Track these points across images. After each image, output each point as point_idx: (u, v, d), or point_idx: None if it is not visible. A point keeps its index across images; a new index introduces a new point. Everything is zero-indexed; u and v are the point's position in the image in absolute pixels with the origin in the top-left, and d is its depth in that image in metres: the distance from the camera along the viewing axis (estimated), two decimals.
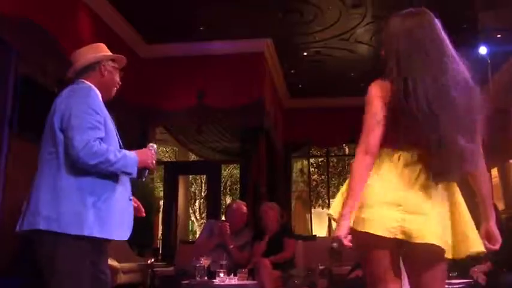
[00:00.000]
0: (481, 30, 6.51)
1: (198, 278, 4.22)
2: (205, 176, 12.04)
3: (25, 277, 4.39)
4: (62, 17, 5.05)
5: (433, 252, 1.82)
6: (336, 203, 1.93)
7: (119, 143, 2.44)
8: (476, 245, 1.88)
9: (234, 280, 4.26)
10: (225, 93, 6.99)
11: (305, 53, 7.78)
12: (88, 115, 2.24)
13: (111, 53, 2.56)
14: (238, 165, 10.87)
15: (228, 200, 14.82)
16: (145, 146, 2.51)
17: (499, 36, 6.64)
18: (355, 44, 7.35)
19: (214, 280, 4.22)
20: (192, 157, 12.03)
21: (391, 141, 1.91)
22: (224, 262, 4.38)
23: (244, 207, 5.16)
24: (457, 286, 4.09)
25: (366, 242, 1.86)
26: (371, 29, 6.86)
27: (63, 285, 2.15)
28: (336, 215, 1.89)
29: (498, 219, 5.51)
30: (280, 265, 4.88)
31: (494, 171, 8.16)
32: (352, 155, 12.66)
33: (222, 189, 12.30)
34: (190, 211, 14.12)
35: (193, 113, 7.06)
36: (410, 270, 1.94)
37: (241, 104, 6.98)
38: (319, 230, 12.05)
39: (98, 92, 2.42)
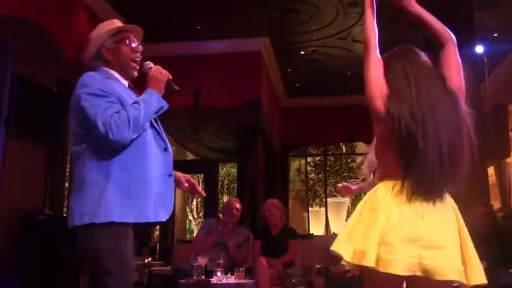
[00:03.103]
0: (478, 29, 6.52)
1: (195, 277, 4.23)
2: (202, 175, 12.02)
3: (22, 277, 4.39)
4: (60, 16, 5.04)
5: (447, 286, 1.82)
6: (342, 239, 1.88)
7: (154, 127, 2.33)
8: (480, 277, 1.84)
9: (231, 279, 4.27)
10: (222, 93, 6.99)
11: (302, 52, 7.78)
12: (96, 100, 2.12)
13: (109, 29, 2.34)
14: (236, 164, 10.87)
15: (225, 198, 14.81)
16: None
17: (495, 35, 6.66)
18: (352, 43, 7.36)
19: (211, 279, 4.22)
20: (190, 156, 12.02)
21: (385, 170, 1.97)
22: (221, 261, 4.39)
23: (237, 204, 5.16)
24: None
25: (380, 281, 1.84)
26: None
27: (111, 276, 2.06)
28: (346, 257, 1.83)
29: (494, 218, 5.53)
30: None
31: (491, 170, 8.18)
32: (349, 154, 12.70)
33: (219, 188, 12.29)
34: (188, 210, 14.09)
35: (190, 113, 7.06)
36: None
37: (238, 103, 6.98)
38: (317, 228, 12.02)
39: (115, 74, 2.32)
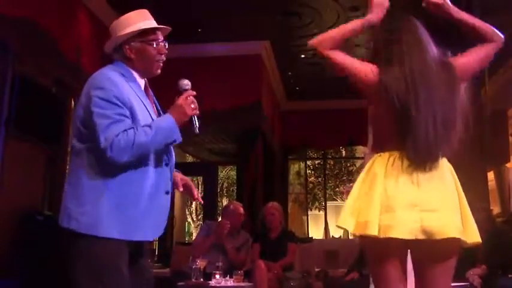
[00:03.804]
0: None
1: (193, 280, 4.22)
2: (201, 178, 12.02)
3: (22, 277, 4.39)
4: (61, 17, 5.06)
5: (450, 246, 1.86)
6: (346, 214, 1.92)
7: None
8: (476, 236, 1.90)
9: (229, 282, 4.27)
10: (223, 95, 6.99)
11: (303, 56, 7.79)
12: (108, 109, 1.99)
13: (138, 26, 2.17)
14: (235, 167, 10.88)
15: (225, 201, 14.80)
16: None
17: None
18: (352, 47, 7.36)
19: (210, 282, 4.22)
20: (189, 158, 12.03)
21: (380, 143, 1.99)
22: (220, 264, 4.38)
23: (241, 208, 5.17)
24: None
25: (381, 249, 1.88)
26: (369, 32, 6.87)
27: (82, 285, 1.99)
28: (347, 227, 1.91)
29: (494, 223, 5.54)
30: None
31: (491, 175, 8.18)
32: (349, 158, 12.74)
33: (218, 190, 12.29)
34: (187, 212, 14.09)
35: None
36: (421, 267, 1.94)
37: (238, 106, 6.98)
38: (316, 232, 12.05)
39: (132, 72, 2.18)
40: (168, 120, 2.08)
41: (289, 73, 8.49)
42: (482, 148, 6.23)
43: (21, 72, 4.67)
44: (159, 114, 2.23)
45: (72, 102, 5.72)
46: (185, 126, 2.13)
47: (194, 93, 2.15)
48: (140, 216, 2.06)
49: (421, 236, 1.81)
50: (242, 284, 4.34)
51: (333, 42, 2.05)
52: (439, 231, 1.81)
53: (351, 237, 13.58)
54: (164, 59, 2.25)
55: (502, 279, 4.48)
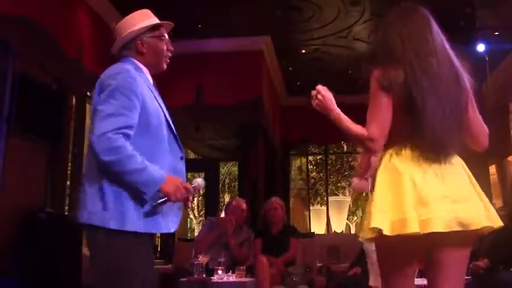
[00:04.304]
0: (479, 27, 6.52)
1: (196, 275, 4.23)
2: (203, 174, 12.02)
3: (21, 277, 4.39)
4: (61, 15, 5.05)
5: (475, 234, 1.85)
6: (377, 213, 1.85)
7: (173, 132, 2.23)
8: (498, 220, 1.89)
9: (232, 277, 4.27)
10: (224, 91, 6.99)
11: (303, 51, 7.78)
12: (114, 99, 2.01)
13: (148, 23, 2.27)
14: (237, 163, 10.88)
15: (227, 197, 14.80)
16: None
17: (497, 33, 6.65)
18: (353, 42, 7.36)
19: (212, 277, 4.23)
20: (191, 155, 12.03)
21: (391, 139, 1.95)
22: (222, 259, 4.39)
23: (244, 204, 5.19)
24: None
25: (421, 245, 1.84)
26: (369, 26, 6.86)
27: (113, 283, 2.00)
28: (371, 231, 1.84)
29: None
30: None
31: (492, 169, 8.17)
32: (350, 153, 12.68)
33: (220, 186, 12.29)
34: (189, 208, 14.11)
35: (192, 111, 7.06)
36: (440, 256, 1.90)
37: (239, 102, 6.98)
38: (318, 227, 12.03)
39: (142, 67, 2.24)
40: (159, 177, 2.03)
41: (290, 68, 8.47)
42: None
43: (22, 70, 4.66)
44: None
45: (73, 100, 5.71)
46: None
47: (190, 198, 2.15)
48: (162, 209, 2.08)
49: (457, 228, 1.78)
50: (244, 279, 4.34)
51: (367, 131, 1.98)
52: (473, 222, 1.80)
53: (352, 232, 13.59)
54: (170, 54, 2.34)
55: (504, 273, 4.49)
